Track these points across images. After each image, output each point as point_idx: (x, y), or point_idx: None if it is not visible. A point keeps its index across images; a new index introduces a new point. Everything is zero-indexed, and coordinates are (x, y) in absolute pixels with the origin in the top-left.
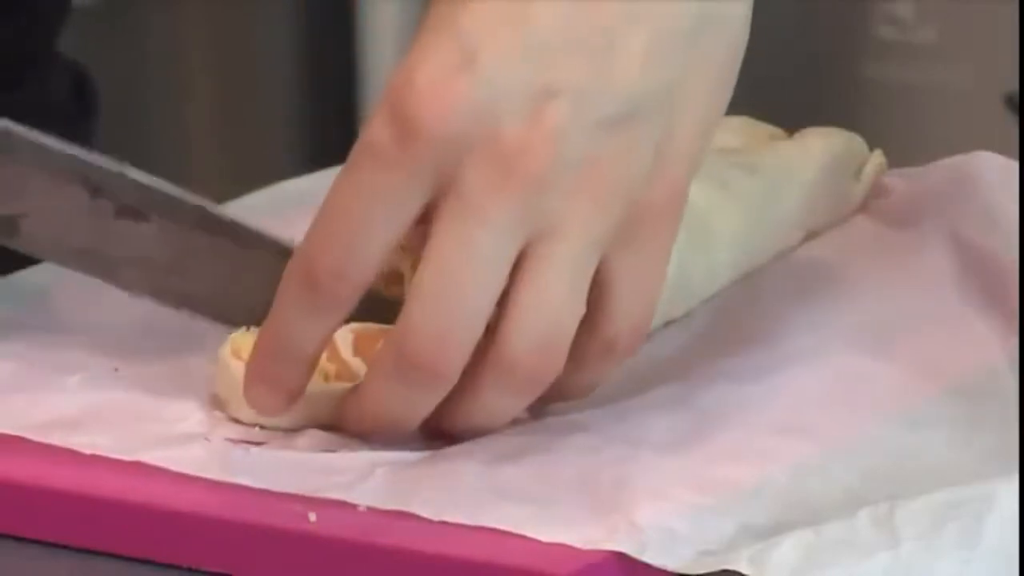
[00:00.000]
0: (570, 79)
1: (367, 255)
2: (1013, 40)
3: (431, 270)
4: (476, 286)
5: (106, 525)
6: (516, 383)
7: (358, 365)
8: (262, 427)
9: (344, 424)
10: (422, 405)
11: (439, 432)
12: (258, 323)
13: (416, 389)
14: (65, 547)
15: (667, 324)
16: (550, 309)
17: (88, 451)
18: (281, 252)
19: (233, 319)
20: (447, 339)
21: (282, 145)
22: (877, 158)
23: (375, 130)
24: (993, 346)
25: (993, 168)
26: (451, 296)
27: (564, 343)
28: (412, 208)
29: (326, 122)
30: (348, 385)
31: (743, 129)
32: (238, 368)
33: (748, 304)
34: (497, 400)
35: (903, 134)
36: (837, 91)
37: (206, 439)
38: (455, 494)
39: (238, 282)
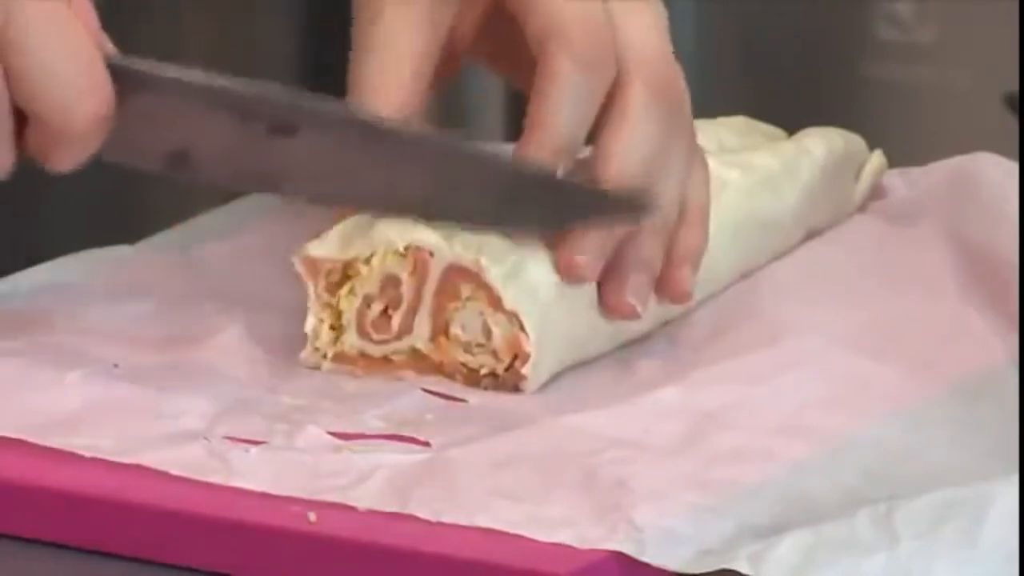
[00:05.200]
0: None
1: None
2: (1013, 40)
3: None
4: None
5: (106, 525)
6: (658, 88)
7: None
8: None
9: (528, 148)
10: (594, 98)
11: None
12: (426, 215)
13: (590, 78)
14: (65, 547)
15: (667, 324)
16: (652, 26)
17: (88, 454)
18: (430, 143)
19: (401, 212)
20: (601, 27)
21: None
22: (877, 158)
23: None
24: (993, 346)
25: (993, 168)
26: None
27: (671, 52)
28: None
29: None
30: None
31: (743, 129)
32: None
33: (748, 304)
34: (649, 117)
35: (903, 134)
36: (837, 91)
37: (205, 439)
38: (454, 495)
39: (397, 179)
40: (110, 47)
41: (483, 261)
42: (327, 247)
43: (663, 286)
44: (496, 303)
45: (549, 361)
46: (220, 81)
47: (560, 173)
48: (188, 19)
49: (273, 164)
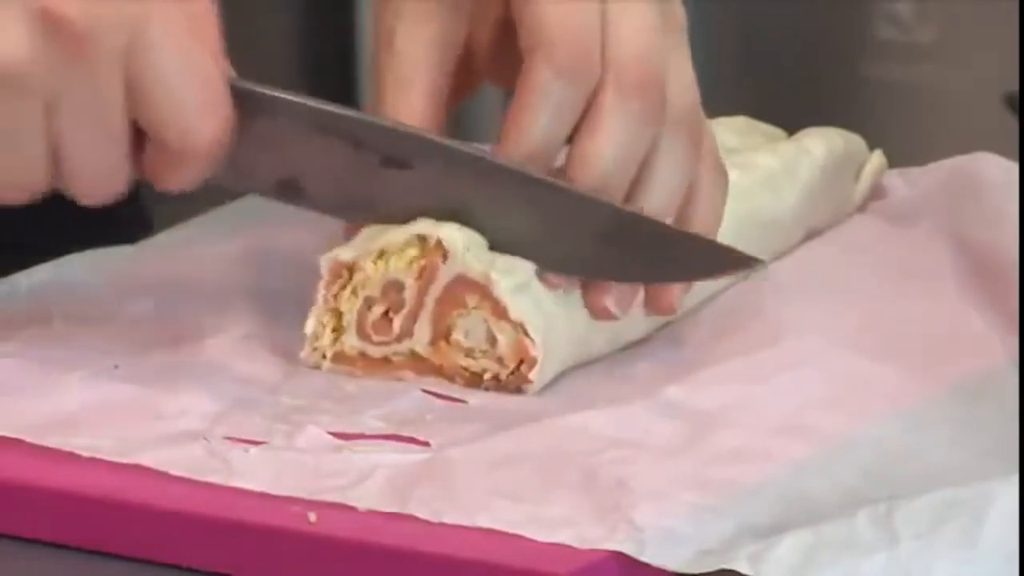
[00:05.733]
0: None
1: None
2: (1013, 40)
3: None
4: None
5: (106, 525)
6: (631, 90)
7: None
8: None
9: (500, 157)
10: (574, 107)
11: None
12: (532, 255)
13: (568, 87)
14: (65, 547)
15: (667, 324)
16: (643, 27)
17: (87, 454)
18: (533, 181)
19: (500, 247)
20: (587, 35)
21: None
22: (877, 158)
23: None
24: (993, 346)
25: (993, 168)
26: (581, 8)
27: (659, 51)
28: None
29: None
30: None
31: (743, 129)
32: None
33: (748, 304)
34: (621, 119)
35: (903, 134)
36: (837, 91)
37: (205, 439)
38: (454, 495)
39: (504, 217)
40: (228, 67)
41: (493, 275)
42: (355, 250)
43: (650, 297)
44: (501, 313)
45: (554, 364)
46: (335, 108)
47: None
48: None
49: (382, 195)
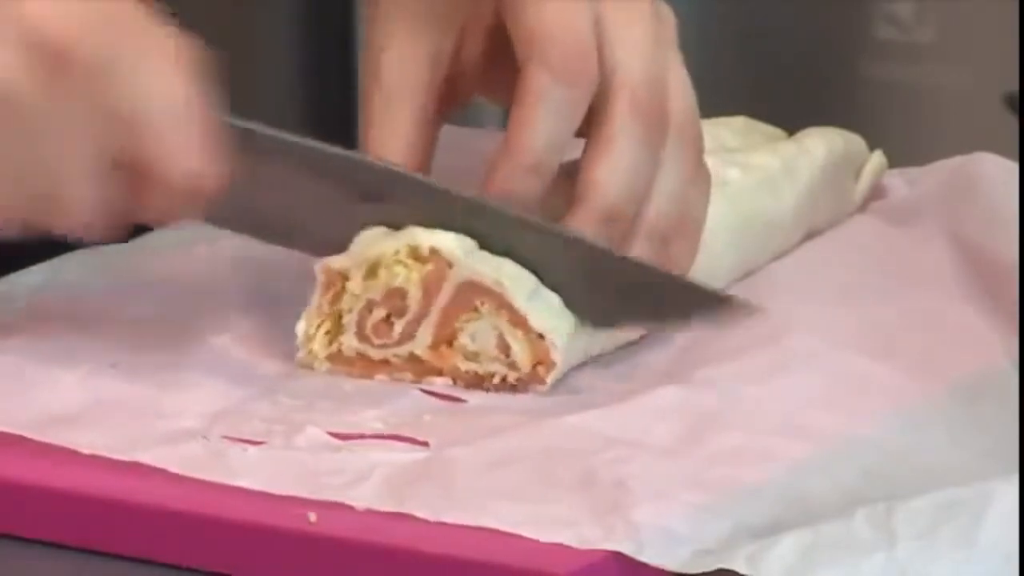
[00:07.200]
0: None
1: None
2: (1013, 40)
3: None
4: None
5: (106, 525)
6: (640, 114)
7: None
8: None
9: (503, 163)
10: (574, 110)
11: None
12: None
13: (567, 90)
14: (65, 547)
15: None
16: (643, 38)
17: (87, 451)
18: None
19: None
20: (581, 39)
21: None
22: (877, 158)
23: None
24: (993, 346)
25: (993, 168)
26: (574, 12)
27: (660, 65)
28: None
29: (325, 123)
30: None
31: (743, 129)
32: None
33: None
34: (629, 143)
35: (903, 134)
36: (837, 91)
37: (205, 438)
38: (454, 495)
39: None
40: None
41: (505, 282)
42: (347, 259)
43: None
44: (519, 322)
45: (566, 365)
46: (326, 147)
47: (536, 192)
48: (188, 19)
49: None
